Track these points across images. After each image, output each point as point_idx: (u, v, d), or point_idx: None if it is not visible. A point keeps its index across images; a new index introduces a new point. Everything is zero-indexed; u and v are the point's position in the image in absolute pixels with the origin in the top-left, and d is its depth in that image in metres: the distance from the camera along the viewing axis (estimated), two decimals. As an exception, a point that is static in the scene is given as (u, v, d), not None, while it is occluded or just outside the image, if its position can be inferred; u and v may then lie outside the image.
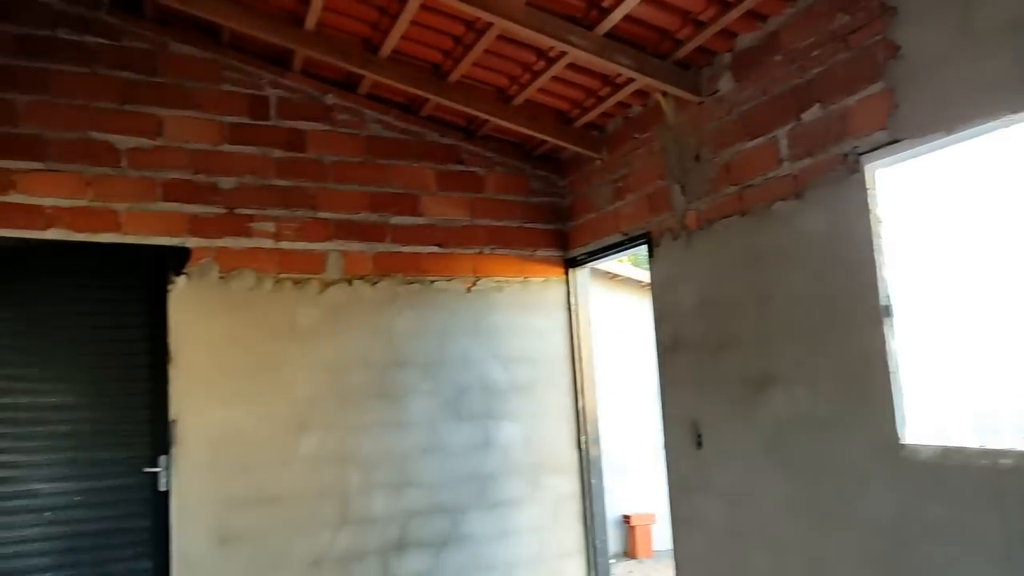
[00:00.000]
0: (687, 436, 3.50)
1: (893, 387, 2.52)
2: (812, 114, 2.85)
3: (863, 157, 2.63)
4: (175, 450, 3.63)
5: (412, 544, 4.05)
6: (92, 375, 3.63)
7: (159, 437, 3.66)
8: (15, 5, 3.52)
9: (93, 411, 3.61)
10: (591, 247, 4.40)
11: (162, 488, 3.64)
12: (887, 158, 2.57)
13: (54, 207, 3.52)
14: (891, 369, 2.53)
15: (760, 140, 3.10)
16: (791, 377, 2.92)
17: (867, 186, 2.62)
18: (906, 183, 2.72)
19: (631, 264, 7.26)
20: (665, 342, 3.69)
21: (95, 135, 3.61)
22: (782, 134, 2.99)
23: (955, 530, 2.31)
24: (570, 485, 4.49)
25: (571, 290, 4.63)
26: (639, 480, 6.79)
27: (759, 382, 3.08)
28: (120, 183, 3.65)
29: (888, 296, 2.58)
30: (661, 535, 6.83)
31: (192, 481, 3.64)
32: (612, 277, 7.01)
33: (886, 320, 2.56)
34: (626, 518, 6.78)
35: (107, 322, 3.68)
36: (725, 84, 3.30)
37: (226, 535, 3.67)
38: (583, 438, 4.51)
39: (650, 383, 6.77)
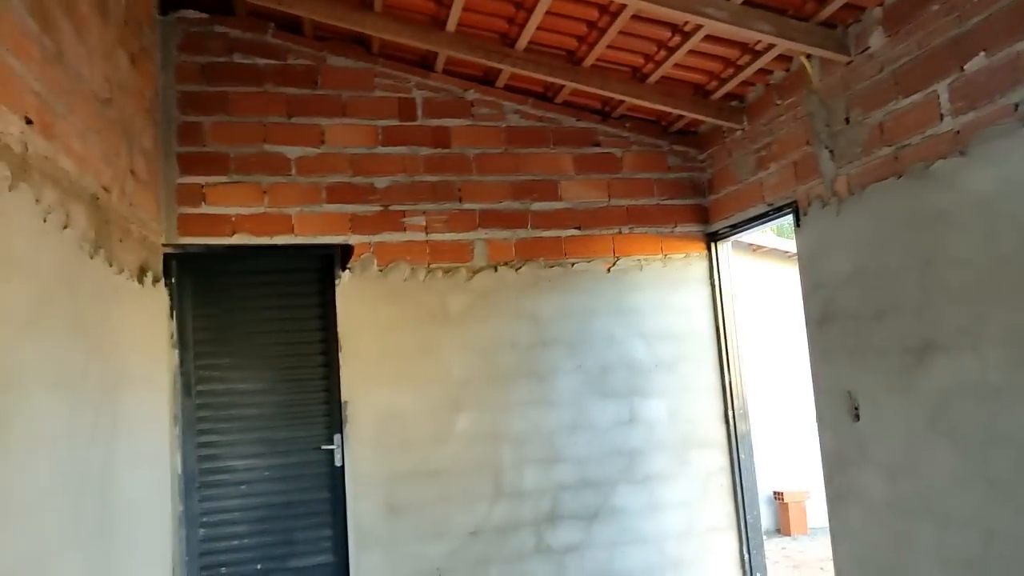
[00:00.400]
0: (842, 409, 3.41)
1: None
2: (976, 64, 2.67)
3: (1036, 107, 2.44)
4: (347, 429, 3.99)
5: (564, 516, 4.22)
6: (275, 363, 4.05)
7: (333, 417, 4.05)
8: (200, 37, 3.97)
9: (277, 395, 4.04)
10: (733, 219, 4.33)
11: (337, 463, 4.02)
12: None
13: (237, 215, 3.95)
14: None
15: (917, 96, 2.94)
16: (956, 344, 2.77)
17: (1041, 138, 2.44)
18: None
19: (775, 235, 7.02)
20: (816, 313, 3.59)
21: (268, 148, 4.01)
22: (942, 88, 2.82)
23: None
24: (719, 460, 4.47)
25: (713, 265, 4.58)
26: (791, 456, 6.60)
27: (920, 351, 2.94)
28: (291, 189, 4.03)
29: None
30: (816, 512, 6.62)
31: (363, 457, 3.99)
32: (755, 249, 6.81)
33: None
34: (778, 495, 6.63)
35: (285, 315, 4.10)
36: (876, 41, 3.15)
37: (394, 505, 3.99)
38: (731, 413, 4.48)
39: (799, 355, 6.59)
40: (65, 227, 2.43)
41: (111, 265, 2.88)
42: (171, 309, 3.83)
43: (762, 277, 6.79)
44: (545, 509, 4.20)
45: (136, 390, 3.17)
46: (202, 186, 3.91)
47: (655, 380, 4.43)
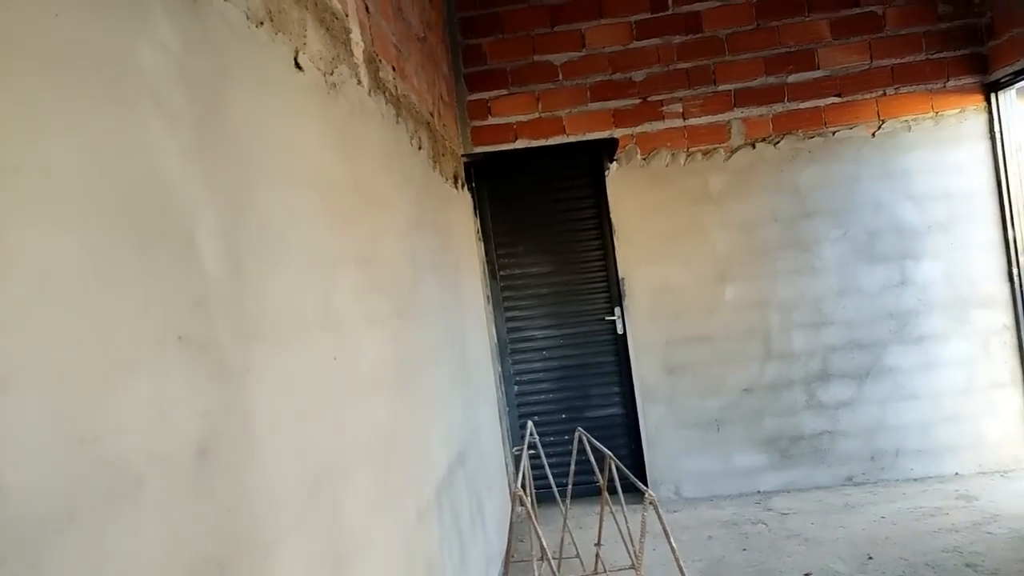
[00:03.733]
0: None
1: None
2: None
3: None
4: (626, 302, 4.55)
5: (834, 375, 4.47)
6: (560, 249, 4.70)
7: (612, 292, 4.63)
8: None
9: (563, 276, 4.70)
10: (1018, 65, 4.02)
11: (619, 332, 4.63)
12: None
13: (517, 122, 4.54)
14: None
15: None
16: None
17: None
18: None
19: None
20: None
21: (537, 58, 4.50)
22: None
23: None
24: (1001, 318, 4.38)
25: (994, 116, 4.31)
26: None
27: None
28: (559, 93, 4.52)
29: None
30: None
31: (641, 325, 4.55)
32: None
33: None
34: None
35: (565, 207, 4.69)
36: None
37: (672, 366, 4.53)
38: (1016, 270, 4.33)
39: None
40: (420, 148, 3.13)
41: (441, 174, 3.60)
42: (474, 208, 4.58)
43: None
44: (815, 369, 4.48)
45: (465, 274, 3.96)
46: (487, 100, 4.53)
47: (927, 242, 4.40)
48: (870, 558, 3.38)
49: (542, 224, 4.71)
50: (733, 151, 4.49)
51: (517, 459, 4.40)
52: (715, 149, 4.50)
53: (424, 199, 3.08)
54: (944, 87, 4.38)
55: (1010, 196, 4.31)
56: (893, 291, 4.43)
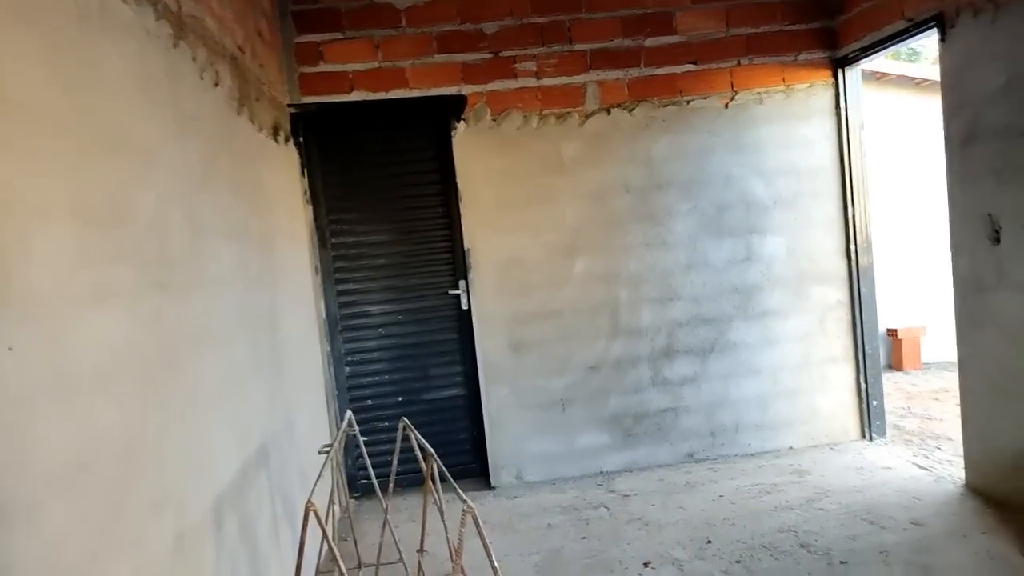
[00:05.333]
0: (981, 232, 3.29)
1: None
2: None
3: None
4: (471, 275, 4.21)
5: (679, 351, 4.39)
6: (400, 215, 4.27)
7: (457, 264, 4.28)
8: None
9: (404, 245, 4.28)
10: (865, 41, 4.01)
11: (464, 307, 4.29)
12: None
13: (354, 71, 4.03)
14: None
15: None
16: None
17: None
18: None
19: (896, 59, 6.46)
20: (958, 135, 3.39)
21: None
22: None
23: None
24: (837, 294, 4.46)
25: (840, 93, 4.31)
26: (904, 295, 6.48)
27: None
28: (402, 42, 4.05)
29: None
30: (930, 348, 6.56)
31: (487, 300, 4.24)
32: (880, 77, 6.33)
33: None
34: (891, 332, 6.58)
35: (407, 169, 4.26)
36: None
37: (518, 343, 4.27)
38: (852, 247, 4.40)
39: (920, 190, 6.28)
40: (216, 84, 2.59)
41: (253, 123, 3.06)
42: (302, 167, 4.05)
43: (887, 108, 6.36)
44: (661, 345, 4.38)
45: (284, 242, 3.46)
46: (318, 44, 3.98)
47: (774, 217, 4.38)
48: (709, 542, 3.29)
49: (381, 187, 4.25)
50: (588, 116, 4.24)
51: (341, 457, 3.99)
52: (569, 113, 4.22)
53: (219, 150, 2.56)
54: (796, 60, 4.33)
55: (851, 174, 4.35)
56: (739, 266, 4.39)
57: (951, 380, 5.86)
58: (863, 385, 4.48)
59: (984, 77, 3.19)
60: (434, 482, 2.44)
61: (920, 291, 6.51)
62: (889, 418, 4.66)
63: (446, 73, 4.11)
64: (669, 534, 3.41)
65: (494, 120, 4.16)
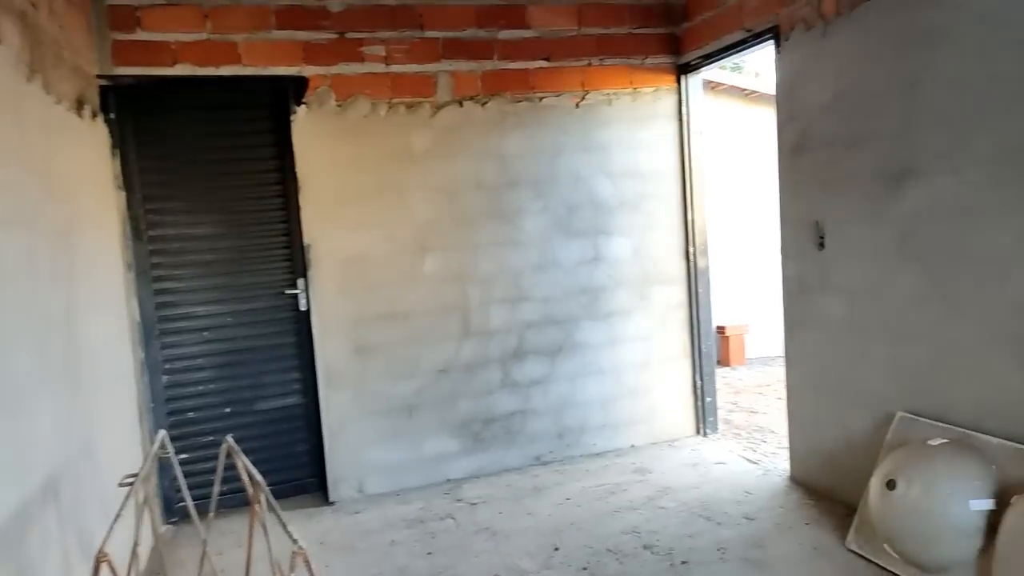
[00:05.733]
0: (808, 238, 3.49)
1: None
2: None
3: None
4: (311, 273, 3.90)
5: (529, 352, 4.34)
6: (230, 206, 3.86)
7: (296, 261, 3.94)
8: None
9: (235, 240, 3.88)
10: (707, 49, 4.14)
11: (303, 308, 3.97)
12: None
13: (177, 42, 3.57)
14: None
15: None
16: (933, 169, 2.79)
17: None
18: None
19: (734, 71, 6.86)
20: (789, 144, 3.57)
21: (203, -39, 3.56)
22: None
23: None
24: (677, 295, 4.61)
25: (683, 99, 4.44)
26: (732, 294, 6.91)
27: (896, 177, 2.97)
28: (235, 13, 3.64)
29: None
30: (753, 344, 7.06)
31: (328, 300, 3.95)
32: (714, 87, 6.68)
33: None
34: (720, 329, 6.99)
35: (239, 155, 3.85)
36: None
37: (362, 346, 4.02)
38: (691, 250, 4.57)
39: (748, 195, 6.71)
40: (-2, 42, 2.13)
41: (49, 93, 2.59)
42: (113, 147, 3.54)
43: (720, 116, 6.72)
44: (511, 346, 4.30)
45: (88, 233, 2.98)
46: (135, 9, 3.48)
47: (620, 219, 4.44)
48: (556, 549, 3.25)
49: (209, 174, 3.82)
50: (440, 107, 4.05)
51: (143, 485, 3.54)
52: (420, 103, 4.02)
53: (1, 116, 2.11)
54: (643, 64, 4.41)
55: (691, 177, 4.51)
56: (587, 266, 4.41)
57: (772, 375, 6.33)
58: (699, 383, 4.68)
59: (814, 91, 3.37)
60: (264, 510, 2.17)
61: (743, 290, 6.97)
62: (719, 413, 4.91)
63: (286, 51, 3.75)
64: (517, 543, 3.33)
65: (339, 106, 3.87)
